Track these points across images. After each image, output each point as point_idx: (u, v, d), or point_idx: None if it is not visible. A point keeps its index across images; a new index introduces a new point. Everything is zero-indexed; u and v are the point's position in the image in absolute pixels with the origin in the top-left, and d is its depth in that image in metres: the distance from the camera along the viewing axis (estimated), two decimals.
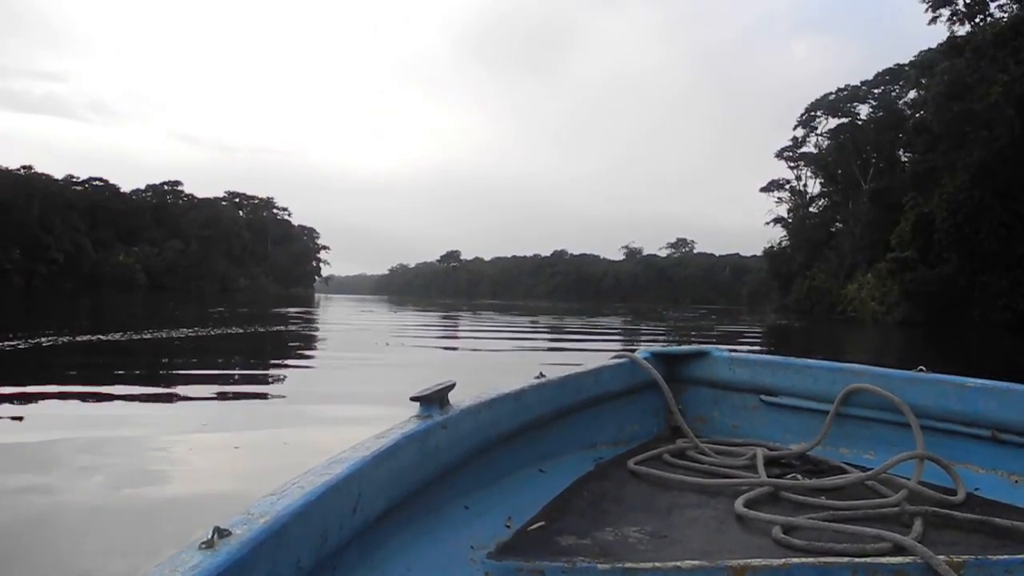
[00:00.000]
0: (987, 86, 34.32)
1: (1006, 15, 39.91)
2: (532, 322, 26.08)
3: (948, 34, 43.59)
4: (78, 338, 11.35)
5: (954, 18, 43.63)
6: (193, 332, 14.46)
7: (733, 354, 2.79)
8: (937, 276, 35.98)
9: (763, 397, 2.65)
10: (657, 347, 2.89)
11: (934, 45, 49.23)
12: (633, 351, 2.73)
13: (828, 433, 2.36)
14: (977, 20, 42.56)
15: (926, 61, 47.71)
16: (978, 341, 23.25)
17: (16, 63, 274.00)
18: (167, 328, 14.99)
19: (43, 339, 10.71)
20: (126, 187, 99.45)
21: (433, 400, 1.71)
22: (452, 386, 1.77)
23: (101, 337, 11.88)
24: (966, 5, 42.67)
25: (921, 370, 2.31)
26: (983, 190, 32.64)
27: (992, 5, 41.63)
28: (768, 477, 2.10)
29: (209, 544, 0.96)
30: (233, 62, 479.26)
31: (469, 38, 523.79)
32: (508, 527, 1.76)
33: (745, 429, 2.67)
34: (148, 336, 12.76)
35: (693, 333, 21.82)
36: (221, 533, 0.98)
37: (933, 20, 44.38)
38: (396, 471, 1.48)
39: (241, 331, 15.67)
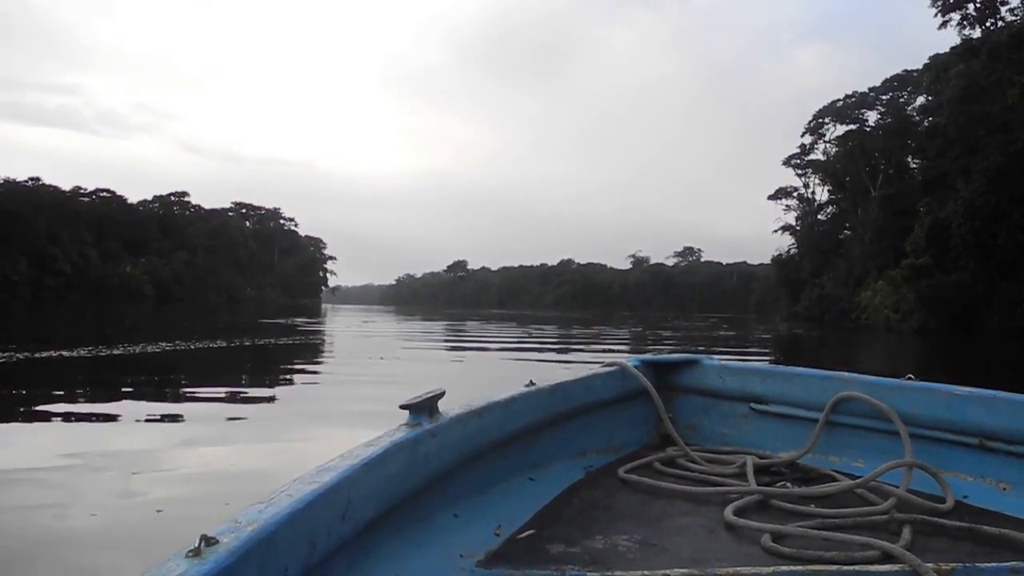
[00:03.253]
0: (1004, 88, 33.85)
1: (1017, 18, 39.59)
2: (540, 333, 25.57)
3: (959, 38, 43.41)
4: (38, 355, 10.52)
5: (964, 22, 43.37)
6: (172, 346, 13.60)
7: (723, 362, 2.81)
8: (953, 283, 35.38)
9: (753, 405, 2.66)
10: (648, 355, 2.89)
11: (943, 50, 49.05)
12: (624, 359, 2.71)
13: (817, 441, 2.38)
14: (988, 24, 42.23)
15: (940, 64, 47.06)
16: (997, 350, 22.75)
17: (28, 76, 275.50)
18: (145, 342, 13.94)
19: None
20: (135, 198, 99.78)
21: (423, 408, 1.70)
22: (442, 394, 1.75)
23: (64, 353, 10.91)
24: (976, 9, 42.35)
25: (910, 378, 2.32)
26: (1000, 195, 32.08)
27: (1003, 9, 41.41)
28: (758, 485, 2.10)
29: (196, 552, 0.95)
30: (243, 73, 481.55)
31: (477, 49, 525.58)
32: (498, 535, 1.76)
33: (735, 437, 2.68)
34: (118, 351, 11.67)
35: (701, 344, 21.37)
36: (208, 541, 0.97)
37: (943, 25, 44.16)
38: (385, 479, 1.47)
39: (225, 344, 14.79)
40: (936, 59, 49.15)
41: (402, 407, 1.68)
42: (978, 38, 41.01)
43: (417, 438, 1.61)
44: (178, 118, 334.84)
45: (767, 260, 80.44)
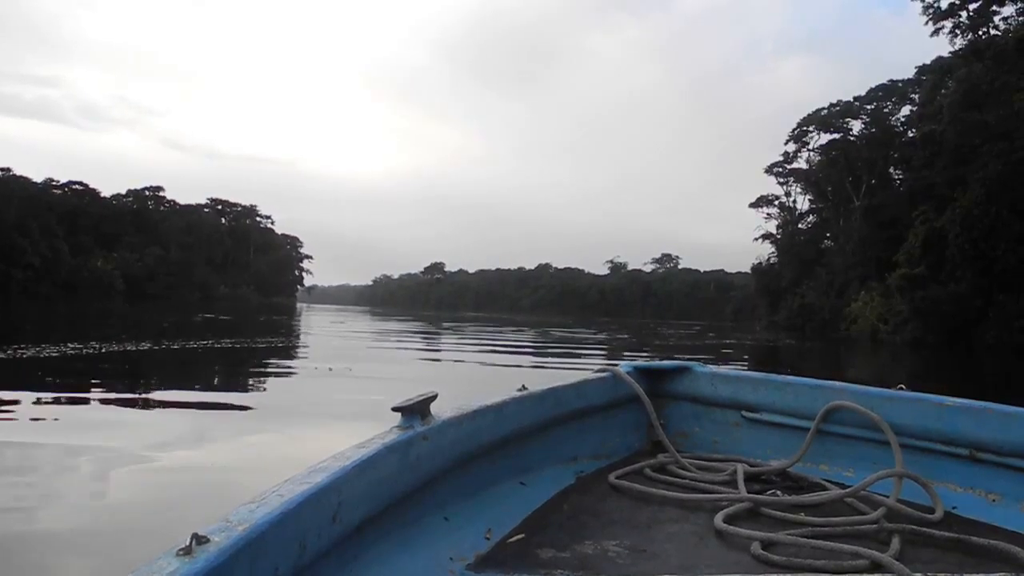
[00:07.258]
0: (1008, 93, 33.43)
1: (1011, 27, 39.39)
2: (517, 340, 24.50)
3: (950, 47, 43.25)
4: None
5: (956, 30, 43.23)
6: (77, 349, 11.74)
7: (715, 370, 2.80)
8: (950, 294, 34.72)
9: (744, 413, 2.66)
10: (640, 361, 2.89)
11: (929, 60, 48.83)
12: (615, 366, 2.67)
13: (808, 450, 2.37)
14: (980, 32, 42.07)
15: (942, 68, 46.47)
16: (994, 366, 22.17)
17: (7, 67, 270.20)
18: (58, 343, 12.20)
19: None
20: (111, 193, 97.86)
21: (415, 411, 1.69)
22: (434, 397, 1.75)
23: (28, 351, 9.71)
24: (969, 17, 42.16)
25: (901, 388, 2.32)
26: (1000, 205, 31.60)
27: (996, 18, 41.24)
28: (748, 493, 2.10)
29: (187, 551, 0.96)
30: (228, 70, 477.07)
31: (463, 53, 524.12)
32: (488, 539, 1.76)
33: (726, 445, 2.67)
34: (27, 354, 10.24)
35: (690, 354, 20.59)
36: (199, 540, 0.98)
37: (935, 32, 44.01)
38: (376, 481, 1.47)
39: (154, 347, 13.16)
40: (936, 63, 48.77)
41: (394, 409, 1.64)
42: (984, 40, 40.67)
43: (409, 440, 1.60)
44: (159, 113, 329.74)
45: (745, 269, 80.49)
